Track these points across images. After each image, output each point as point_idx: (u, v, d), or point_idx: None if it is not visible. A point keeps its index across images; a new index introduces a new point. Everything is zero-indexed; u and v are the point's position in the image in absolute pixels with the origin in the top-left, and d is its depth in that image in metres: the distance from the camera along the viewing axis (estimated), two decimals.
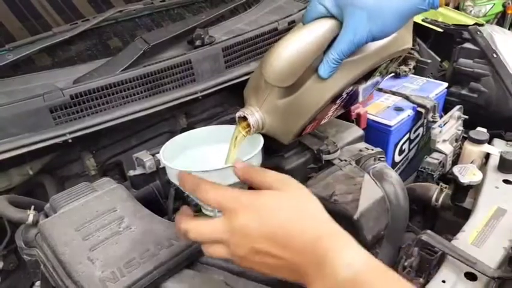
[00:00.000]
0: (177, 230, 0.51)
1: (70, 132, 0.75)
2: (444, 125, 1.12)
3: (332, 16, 0.61)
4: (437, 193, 0.97)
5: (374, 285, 0.41)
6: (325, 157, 0.85)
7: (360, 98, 0.81)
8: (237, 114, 0.65)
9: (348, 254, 0.43)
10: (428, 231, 0.80)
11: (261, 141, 0.65)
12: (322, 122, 0.77)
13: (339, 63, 0.62)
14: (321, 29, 0.61)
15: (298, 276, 0.45)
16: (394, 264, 0.83)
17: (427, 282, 0.76)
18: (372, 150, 0.89)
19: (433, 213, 1.03)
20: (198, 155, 0.71)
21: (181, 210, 0.53)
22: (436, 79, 1.35)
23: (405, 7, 0.57)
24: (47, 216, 0.67)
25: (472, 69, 1.30)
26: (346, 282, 0.41)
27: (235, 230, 0.47)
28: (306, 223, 0.45)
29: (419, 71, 1.40)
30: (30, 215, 0.68)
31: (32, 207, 0.69)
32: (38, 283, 0.70)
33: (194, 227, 0.49)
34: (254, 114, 0.65)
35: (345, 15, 0.58)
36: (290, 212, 0.46)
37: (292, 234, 0.45)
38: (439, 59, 1.45)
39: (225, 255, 0.49)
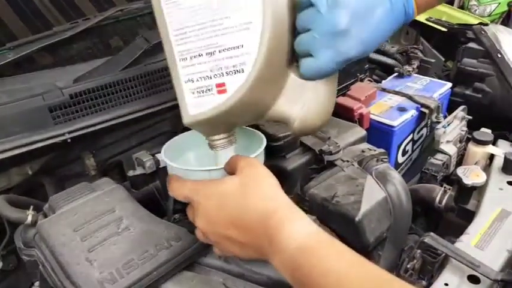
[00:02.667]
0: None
1: (69, 132, 0.74)
2: (448, 125, 1.11)
3: None
4: (441, 194, 0.96)
5: (320, 253, 0.44)
6: (327, 158, 0.84)
7: None
8: (220, 150, 0.62)
9: (295, 226, 0.46)
10: (431, 234, 0.79)
11: (263, 141, 0.65)
12: None
13: None
14: (335, 82, 0.59)
15: (261, 254, 0.49)
16: (396, 266, 0.82)
17: (429, 284, 0.75)
18: (375, 150, 0.88)
19: (436, 214, 1.02)
20: (199, 154, 0.71)
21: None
22: (440, 79, 1.34)
23: (390, 31, 0.54)
24: (46, 216, 0.67)
25: (476, 69, 1.29)
26: (294, 254, 0.44)
27: (201, 219, 0.52)
28: (256, 203, 0.49)
29: (423, 70, 1.38)
30: (29, 215, 0.67)
31: (31, 207, 0.69)
32: (37, 283, 0.70)
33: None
34: (226, 145, 0.61)
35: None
36: (242, 195, 0.49)
37: (244, 216, 0.49)
38: (443, 59, 1.44)
39: (205, 240, 0.55)
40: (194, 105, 0.55)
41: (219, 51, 0.52)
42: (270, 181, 0.52)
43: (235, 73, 0.52)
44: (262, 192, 0.50)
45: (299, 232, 0.46)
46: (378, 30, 0.51)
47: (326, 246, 0.45)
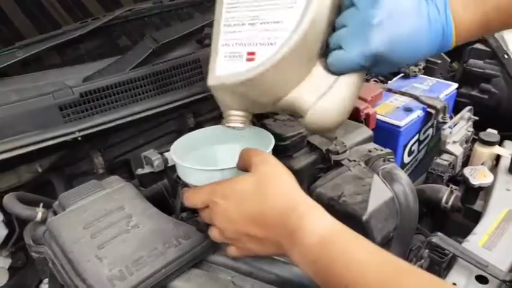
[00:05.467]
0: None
1: (79, 130, 0.75)
2: (454, 126, 1.11)
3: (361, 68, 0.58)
4: (447, 195, 0.96)
5: (341, 245, 0.45)
6: (334, 157, 0.84)
7: None
8: (232, 125, 0.61)
9: (315, 220, 0.47)
10: (439, 234, 0.79)
11: (271, 141, 0.65)
12: None
13: None
14: (359, 84, 0.58)
15: (280, 250, 0.49)
16: None
17: None
18: (381, 150, 0.88)
19: (442, 215, 1.02)
20: (208, 153, 0.71)
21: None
22: (446, 80, 1.33)
23: (423, 47, 0.54)
24: (55, 213, 0.67)
25: (482, 70, 1.28)
26: (316, 246, 0.45)
27: (219, 218, 0.53)
28: (275, 201, 0.49)
29: (428, 71, 1.38)
30: (39, 213, 0.68)
31: (41, 204, 0.69)
32: (45, 280, 0.71)
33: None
34: (246, 122, 0.61)
35: (376, 69, 0.57)
36: (260, 194, 0.50)
37: (264, 213, 0.49)
38: (449, 60, 1.44)
39: (222, 239, 0.55)
40: (222, 66, 0.57)
41: (260, 23, 0.55)
42: (286, 177, 0.52)
43: (267, 45, 0.54)
44: (280, 190, 0.50)
45: (320, 225, 0.46)
46: (410, 37, 0.51)
47: (347, 238, 0.46)
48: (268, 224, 0.49)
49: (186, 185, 0.69)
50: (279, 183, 0.51)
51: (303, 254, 0.46)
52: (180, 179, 0.76)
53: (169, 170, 0.79)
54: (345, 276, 0.42)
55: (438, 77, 1.35)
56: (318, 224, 0.47)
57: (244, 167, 0.55)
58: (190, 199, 0.56)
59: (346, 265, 0.43)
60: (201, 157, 0.72)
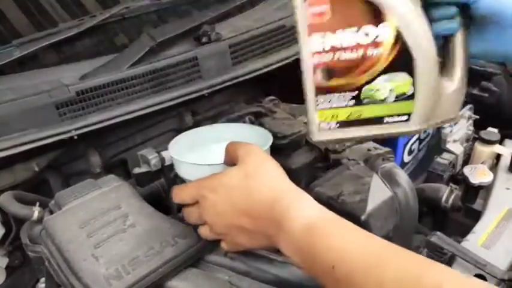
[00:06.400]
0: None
1: (76, 129, 0.75)
2: (454, 125, 1.11)
3: None
4: (447, 194, 0.96)
5: (325, 231, 0.45)
6: (333, 156, 0.84)
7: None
8: None
9: (301, 208, 0.47)
10: (438, 233, 0.79)
11: (269, 138, 0.65)
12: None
13: None
14: None
15: (270, 241, 0.50)
16: None
17: None
18: (381, 149, 0.88)
19: (442, 214, 1.02)
20: (205, 151, 0.71)
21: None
22: None
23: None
24: (51, 212, 0.67)
25: (483, 68, 1.28)
26: (300, 234, 0.45)
27: (208, 212, 0.53)
28: (262, 192, 0.50)
29: None
30: (36, 212, 0.67)
31: (37, 203, 0.69)
32: (42, 280, 0.70)
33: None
34: None
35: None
36: (247, 186, 0.50)
37: (251, 205, 0.50)
38: None
39: (211, 236, 0.55)
40: None
41: None
42: (272, 168, 0.52)
43: None
44: (267, 181, 0.51)
45: (305, 213, 0.47)
46: None
47: (331, 224, 0.46)
48: (256, 215, 0.49)
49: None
50: (265, 175, 0.51)
51: (288, 241, 0.47)
52: (177, 178, 0.76)
53: (166, 169, 0.78)
54: (327, 260, 0.43)
55: None
56: (302, 212, 0.47)
57: (231, 161, 0.55)
58: (179, 195, 0.57)
59: (327, 251, 0.43)
60: (198, 154, 0.72)
